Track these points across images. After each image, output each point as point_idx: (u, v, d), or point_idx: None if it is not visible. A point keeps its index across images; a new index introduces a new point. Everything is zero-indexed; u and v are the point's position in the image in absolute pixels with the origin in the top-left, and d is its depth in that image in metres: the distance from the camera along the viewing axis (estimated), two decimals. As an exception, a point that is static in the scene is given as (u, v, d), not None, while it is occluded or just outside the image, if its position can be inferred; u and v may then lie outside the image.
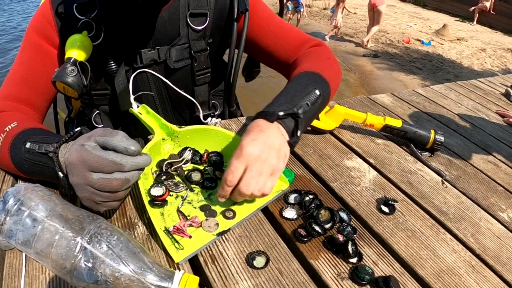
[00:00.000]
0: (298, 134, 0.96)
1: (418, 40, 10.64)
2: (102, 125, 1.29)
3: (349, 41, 10.64)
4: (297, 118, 0.96)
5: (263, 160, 0.86)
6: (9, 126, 0.97)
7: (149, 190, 0.90)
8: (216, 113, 1.42)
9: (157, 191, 0.90)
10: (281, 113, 0.94)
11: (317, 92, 1.03)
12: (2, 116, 1.05)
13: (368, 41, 10.06)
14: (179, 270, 0.70)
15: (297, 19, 11.21)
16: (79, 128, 0.88)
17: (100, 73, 1.17)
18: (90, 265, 0.66)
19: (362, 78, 8.08)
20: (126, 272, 0.65)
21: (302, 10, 11.17)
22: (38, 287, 0.73)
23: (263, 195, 0.87)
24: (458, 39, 11.29)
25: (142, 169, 0.80)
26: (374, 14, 9.81)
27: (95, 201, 0.78)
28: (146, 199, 0.86)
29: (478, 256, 0.88)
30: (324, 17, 13.23)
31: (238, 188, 0.86)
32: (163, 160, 1.01)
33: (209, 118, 1.28)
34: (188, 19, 1.18)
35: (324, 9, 14.28)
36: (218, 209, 0.90)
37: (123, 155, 0.76)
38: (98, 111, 1.28)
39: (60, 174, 0.83)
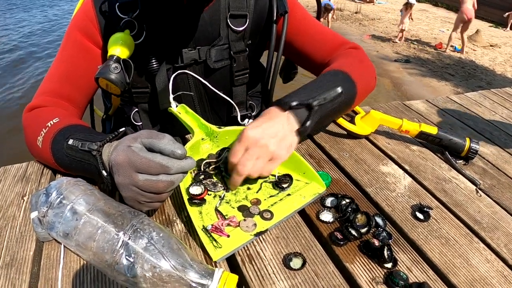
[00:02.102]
0: (307, 124, 0.99)
1: (451, 45, 10.51)
2: (140, 123, 1.32)
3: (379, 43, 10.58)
4: (310, 109, 0.99)
5: (262, 145, 0.91)
6: (51, 122, 0.99)
7: (187, 189, 0.92)
8: (253, 114, 1.43)
9: (195, 190, 0.91)
10: (294, 103, 0.98)
11: (339, 89, 1.05)
12: (43, 111, 1.08)
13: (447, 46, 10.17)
14: (218, 268, 0.71)
15: (327, 20, 11.23)
16: (123, 129, 0.90)
17: (141, 71, 1.19)
18: (131, 259, 0.67)
19: (393, 84, 8.01)
20: (167, 268, 0.67)
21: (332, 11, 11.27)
22: (75, 279, 0.75)
23: (261, 177, 0.95)
24: (491, 45, 11.12)
25: (186, 172, 0.82)
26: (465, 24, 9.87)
27: (138, 201, 0.80)
28: (186, 198, 0.88)
29: (510, 267, 0.87)
30: (355, 21, 13.14)
31: (235, 168, 0.91)
32: (202, 160, 1.03)
33: (246, 119, 1.29)
34: (228, 20, 1.20)
35: (356, 12, 14.18)
36: (255, 209, 0.91)
37: (169, 158, 0.78)
38: (137, 109, 1.31)
39: (104, 172, 0.85)
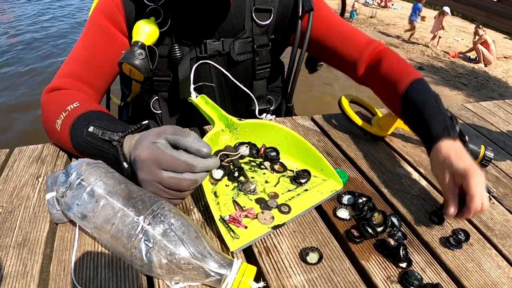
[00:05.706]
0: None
1: (465, 55, 10.46)
2: (160, 111, 1.32)
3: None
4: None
5: None
6: (71, 106, 0.99)
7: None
8: (271, 108, 1.44)
9: (218, 174, 0.95)
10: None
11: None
12: (63, 94, 1.08)
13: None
14: (237, 258, 0.71)
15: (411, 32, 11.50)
16: (146, 122, 0.90)
17: (163, 59, 1.20)
18: (150, 245, 0.67)
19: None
20: (186, 255, 0.67)
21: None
22: (89, 262, 0.75)
23: None
24: (505, 57, 11.03)
25: (209, 170, 0.82)
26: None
27: (160, 197, 0.80)
28: (206, 187, 0.87)
29: (521, 274, 0.87)
30: (370, 25, 13.09)
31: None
32: (219, 151, 1.03)
33: (264, 114, 1.30)
34: (253, 13, 1.20)
35: (371, 17, 14.13)
36: (273, 203, 0.92)
37: (195, 157, 0.77)
38: (157, 97, 1.31)
39: (125, 164, 0.85)
